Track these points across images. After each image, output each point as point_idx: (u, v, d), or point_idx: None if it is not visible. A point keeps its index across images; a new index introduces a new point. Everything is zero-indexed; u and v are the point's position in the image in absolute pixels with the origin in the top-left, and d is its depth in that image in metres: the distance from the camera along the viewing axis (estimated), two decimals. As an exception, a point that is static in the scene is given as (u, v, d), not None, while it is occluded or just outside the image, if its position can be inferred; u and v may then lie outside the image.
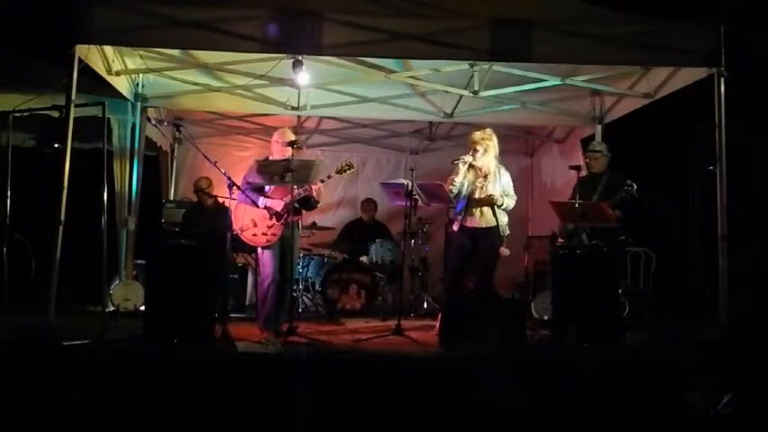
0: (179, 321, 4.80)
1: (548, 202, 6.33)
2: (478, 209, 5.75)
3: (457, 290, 5.87)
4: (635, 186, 5.82)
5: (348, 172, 5.96)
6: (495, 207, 5.72)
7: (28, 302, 5.48)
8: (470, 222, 5.76)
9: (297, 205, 5.67)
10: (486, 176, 5.76)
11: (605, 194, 6.05)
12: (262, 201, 5.64)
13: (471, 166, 5.77)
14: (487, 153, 5.75)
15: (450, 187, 5.74)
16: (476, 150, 5.73)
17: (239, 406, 3.80)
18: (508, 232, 5.84)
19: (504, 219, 5.80)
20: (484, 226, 5.74)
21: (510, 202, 5.80)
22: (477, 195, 5.74)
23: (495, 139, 5.80)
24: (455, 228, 5.83)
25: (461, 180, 5.76)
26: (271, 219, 5.61)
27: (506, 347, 4.95)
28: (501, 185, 5.78)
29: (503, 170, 5.85)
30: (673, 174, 7.27)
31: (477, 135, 5.80)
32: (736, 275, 5.27)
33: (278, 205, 5.63)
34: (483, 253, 5.76)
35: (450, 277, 6.02)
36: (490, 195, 5.70)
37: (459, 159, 5.74)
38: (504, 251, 5.81)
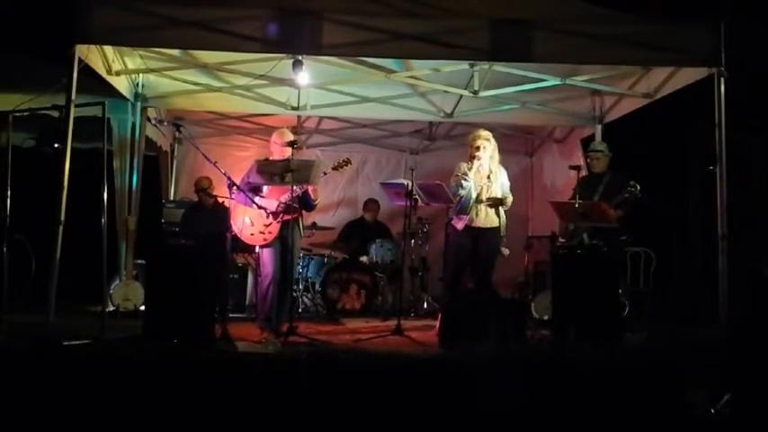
0: (179, 321, 4.80)
1: (548, 202, 6.33)
2: (484, 209, 5.83)
3: (458, 289, 5.89)
4: (638, 187, 5.82)
5: (345, 168, 5.97)
6: (501, 207, 5.87)
7: (28, 302, 5.48)
8: (475, 222, 5.84)
9: (295, 205, 5.66)
10: (489, 176, 5.86)
11: (606, 194, 6.05)
12: (257, 200, 5.64)
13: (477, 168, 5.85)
14: (487, 152, 5.84)
15: (461, 191, 5.80)
16: (477, 149, 5.82)
17: (239, 406, 3.80)
18: (505, 232, 5.93)
19: (504, 219, 5.91)
20: (488, 226, 5.86)
21: (510, 200, 5.95)
22: (483, 196, 5.83)
23: (492, 139, 5.92)
24: (459, 227, 5.86)
25: (473, 177, 5.82)
26: (268, 218, 5.62)
27: (506, 347, 4.95)
28: (500, 184, 5.90)
29: (501, 168, 5.97)
30: (673, 174, 7.28)
31: (483, 133, 5.92)
32: (737, 275, 5.28)
33: (272, 205, 5.64)
34: (484, 253, 5.85)
35: (451, 276, 6.04)
36: (504, 197, 5.88)
37: (462, 177, 5.83)
38: (505, 251, 5.88)
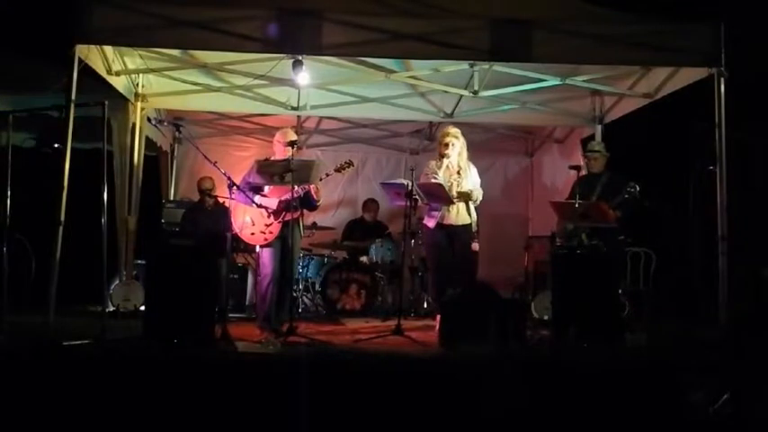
0: (179, 321, 4.79)
1: (548, 202, 6.33)
2: (455, 207, 5.91)
3: (446, 288, 5.90)
4: (638, 188, 5.83)
5: (347, 170, 5.98)
6: (470, 203, 5.95)
7: (28, 302, 5.47)
8: (447, 220, 5.94)
9: (295, 205, 5.66)
10: (459, 172, 5.94)
11: (604, 194, 6.06)
12: (258, 199, 5.64)
13: (447, 165, 5.95)
14: (456, 149, 5.94)
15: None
16: (446, 146, 5.93)
17: (239, 406, 3.81)
18: (477, 228, 6.05)
19: (474, 216, 6.01)
20: (460, 224, 5.96)
21: (479, 194, 6.02)
22: (454, 192, 5.89)
23: (461, 136, 6.02)
24: (431, 225, 5.98)
25: (442, 175, 5.90)
26: (269, 217, 5.62)
27: (506, 347, 4.94)
28: (471, 180, 5.99)
29: (470, 164, 6.06)
30: (673, 174, 7.27)
31: (451, 131, 6.02)
32: (736, 275, 5.27)
33: (273, 204, 5.64)
34: (461, 252, 5.97)
35: (436, 277, 6.09)
36: (470, 190, 5.93)
37: (432, 176, 5.91)
38: (475, 245, 6.06)
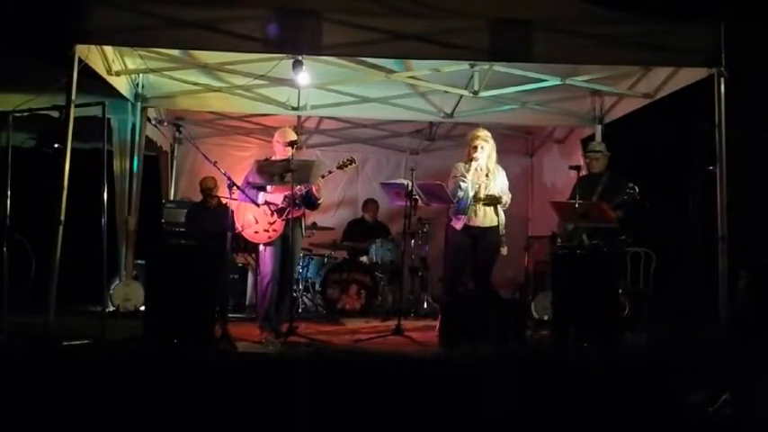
0: (179, 321, 4.80)
1: (548, 202, 6.33)
2: (482, 208, 5.81)
3: (457, 289, 5.90)
4: (637, 189, 5.83)
5: (350, 167, 5.97)
6: (498, 206, 5.83)
7: (28, 302, 5.48)
8: (474, 222, 5.83)
9: (298, 202, 5.66)
10: (487, 175, 5.85)
11: (605, 194, 6.06)
12: (261, 197, 5.63)
13: (475, 168, 5.84)
14: (485, 152, 5.82)
15: (459, 193, 5.78)
16: (475, 149, 5.80)
17: (239, 406, 3.80)
18: (504, 231, 5.90)
19: (502, 218, 5.89)
20: (487, 225, 5.84)
21: (508, 199, 5.92)
22: (481, 195, 5.81)
23: (490, 139, 5.89)
24: (458, 226, 5.85)
25: (470, 177, 5.81)
26: (272, 215, 5.61)
27: (506, 347, 4.94)
28: (499, 183, 5.88)
29: (499, 167, 5.95)
30: (673, 174, 7.28)
31: (481, 133, 5.88)
32: (736, 275, 5.28)
33: (277, 200, 5.64)
34: (484, 252, 5.85)
35: (451, 277, 6.04)
36: (499, 196, 5.82)
37: (460, 179, 5.82)
38: (503, 249, 5.89)
